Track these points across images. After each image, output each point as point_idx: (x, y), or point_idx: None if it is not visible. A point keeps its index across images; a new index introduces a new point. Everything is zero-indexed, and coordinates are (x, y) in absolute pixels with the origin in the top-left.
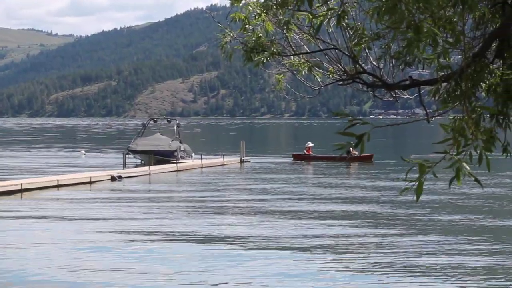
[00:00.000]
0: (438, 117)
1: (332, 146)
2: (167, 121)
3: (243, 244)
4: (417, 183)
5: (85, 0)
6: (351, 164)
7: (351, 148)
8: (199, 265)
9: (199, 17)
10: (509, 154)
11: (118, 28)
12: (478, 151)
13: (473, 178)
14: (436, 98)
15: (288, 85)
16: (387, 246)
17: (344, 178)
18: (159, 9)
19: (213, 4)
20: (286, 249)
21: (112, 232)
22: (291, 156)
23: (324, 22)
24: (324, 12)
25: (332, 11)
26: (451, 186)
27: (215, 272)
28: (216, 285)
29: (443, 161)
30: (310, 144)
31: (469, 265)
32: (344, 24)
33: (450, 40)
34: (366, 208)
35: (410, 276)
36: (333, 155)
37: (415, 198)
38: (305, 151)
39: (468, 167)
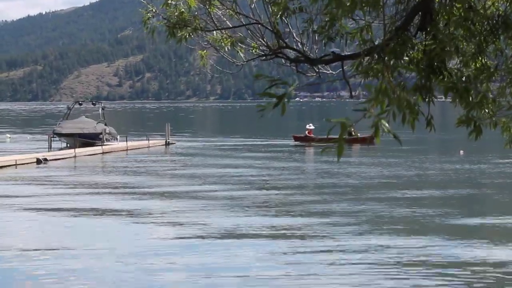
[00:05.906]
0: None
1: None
2: (92, 104)
3: (162, 221)
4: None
5: None
6: (353, 146)
7: (352, 130)
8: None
9: (124, 0)
10: (433, 128)
11: (44, 13)
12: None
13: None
14: (358, 70)
15: (211, 62)
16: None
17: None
18: None
19: None
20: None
21: (38, 211)
22: (292, 138)
23: None
24: None
25: None
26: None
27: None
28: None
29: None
30: (312, 127)
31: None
32: None
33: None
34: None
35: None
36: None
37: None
38: (306, 133)
39: (387, 125)
